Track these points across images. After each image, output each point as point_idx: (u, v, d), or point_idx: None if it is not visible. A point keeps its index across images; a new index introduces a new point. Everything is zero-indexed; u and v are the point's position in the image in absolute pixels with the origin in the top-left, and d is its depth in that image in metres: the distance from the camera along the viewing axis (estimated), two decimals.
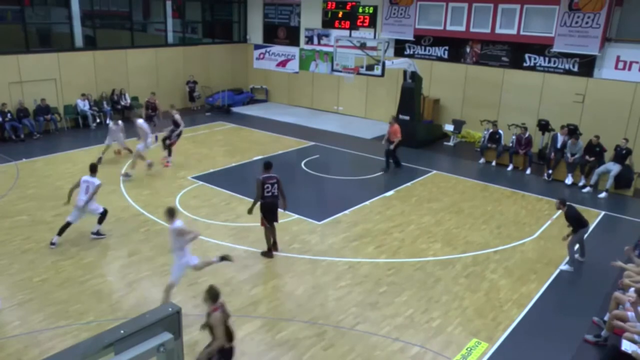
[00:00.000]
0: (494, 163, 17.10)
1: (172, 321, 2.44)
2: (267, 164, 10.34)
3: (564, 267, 10.48)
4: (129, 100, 21.59)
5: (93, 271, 9.81)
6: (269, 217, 10.26)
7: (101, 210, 11.09)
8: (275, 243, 10.51)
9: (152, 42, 23.36)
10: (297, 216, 12.34)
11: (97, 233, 11.16)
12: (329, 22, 22.75)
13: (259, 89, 26.08)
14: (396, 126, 16.04)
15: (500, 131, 17.41)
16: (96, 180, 10.85)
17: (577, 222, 10.36)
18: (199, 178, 14.58)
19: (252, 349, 7.68)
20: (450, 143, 19.36)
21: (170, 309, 2.45)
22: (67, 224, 10.78)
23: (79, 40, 20.81)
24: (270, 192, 10.10)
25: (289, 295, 9.10)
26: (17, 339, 7.89)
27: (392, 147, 15.80)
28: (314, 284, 9.47)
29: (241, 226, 11.75)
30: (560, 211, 10.84)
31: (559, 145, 15.97)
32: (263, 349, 7.68)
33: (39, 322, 8.28)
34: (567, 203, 10.53)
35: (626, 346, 7.31)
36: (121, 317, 8.41)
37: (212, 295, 6.60)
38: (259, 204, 10.20)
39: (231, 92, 24.59)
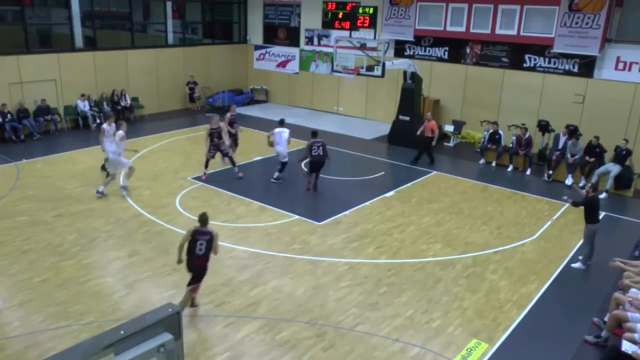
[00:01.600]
0: (494, 164, 17.11)
1: (172, 322, 2.45)
2: (314, 132, 14.19)
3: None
4: (129, 101, 21.60)
5: (93, 272, 9.81)
6: (314, 169, 13.87)
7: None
8: (315, 185, 14.01)
9: (152, 43, 23.37)
10: (297, 217, 12.34)
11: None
12: (329, 22, 22.77)
13: (259, 89, 26.11)
14: (433, 122, 16.68)
15: (500, 132, 17.42)
16: None
17: (593, 214, 10.33)
18: (199, 179, 14.57)
19: (252, 350, 7.67)
20: (451, 144, 19.37)
21: (170, 310, 2.45)
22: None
23: (79, 41, 20.81)
24: (317, 152, 13.60)
25: (289, 296, 9.09)
26: (17, 339, 7.89)
27: (433, 143, 16.62)
28: (314, 284, 9.47)
29: (241, 227, 11.75)
30: (560, 212, 10.83)
31: (560, 146, 15.97)
32: (263, 350, 7.67)
33: (39, 322, 8.27)
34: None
35: (626, 347, 7.31)
36: (121, 317, 8.41)
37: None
38: (307, 160, 13.92)
39: (231, 92, 24.64)
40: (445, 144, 19.35)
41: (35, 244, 10.82)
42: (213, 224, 11.66)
